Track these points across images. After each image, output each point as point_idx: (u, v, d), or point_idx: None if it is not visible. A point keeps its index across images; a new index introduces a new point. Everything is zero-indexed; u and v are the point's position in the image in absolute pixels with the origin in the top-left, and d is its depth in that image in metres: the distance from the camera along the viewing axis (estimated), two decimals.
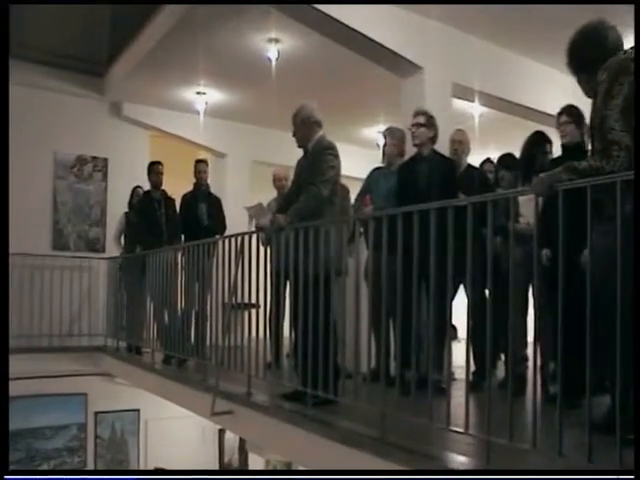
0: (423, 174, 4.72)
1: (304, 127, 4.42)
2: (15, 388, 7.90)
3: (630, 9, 2.94)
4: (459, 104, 7.14)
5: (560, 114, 4.35)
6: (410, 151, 5.10)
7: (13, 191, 8.93)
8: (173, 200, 7.29)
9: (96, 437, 9.01)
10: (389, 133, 5.33)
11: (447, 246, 3.06)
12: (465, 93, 6.65)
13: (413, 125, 4.85)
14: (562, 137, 4.34)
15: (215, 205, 7.13)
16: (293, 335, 4.28)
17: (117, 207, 8.86)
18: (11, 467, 8.04)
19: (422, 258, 3.25)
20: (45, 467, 8.57)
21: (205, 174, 7.12)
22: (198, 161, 7.30)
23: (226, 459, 9.59)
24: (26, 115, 8.94)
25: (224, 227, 6.98)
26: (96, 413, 8.99)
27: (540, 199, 2.84)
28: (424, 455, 3.04)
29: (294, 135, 4.49)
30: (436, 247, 3.16)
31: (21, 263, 8.56)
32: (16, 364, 7.93)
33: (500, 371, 4.63)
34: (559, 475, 2.54)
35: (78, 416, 8.84)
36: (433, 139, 4.84)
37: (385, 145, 5.33)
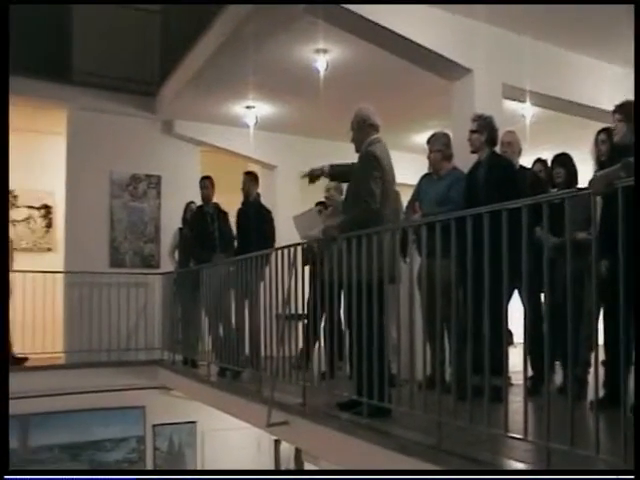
0: (481, 179, 4.67)
1: (359, 130, 4.42)
2: (77, 402, 8.21)
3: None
4: (510, 105, 7.03)
5: (614, 112, 4.24)
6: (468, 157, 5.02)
7: (73, 212, 9.34)
8: (226, 214, 7.33)
9: (155, 449, 9.13)
10: (432, 140, 5.29)
11: (501, 250, 3.01)
12: (516, 94, 6.51)
13: (469, 133, 4.82)
14: (615, 135, 4.22)
15: (265, 217, 7.11)
16: (347, 344, 4.27)
17: (171, 223, 9.02)
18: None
19: (476, 263, 3.20)
20: None
21: (248, 185, 7.07)
22: (244, 174, 7.31)
23: (282, 469, 9.57)
24: (84, 137, 9.26)
25: (273, 239, 6.91)
26: (154, 426, 9.10)
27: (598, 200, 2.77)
28: (482, 462, 2.98)
29: (352, 140, 4.49)
30: (490, 251, 3.10)
31: (81, 281, 8.82)
32: (78, 378, 8.25)
33: (559, 376, 4.52)
34: (559, 475, 2.47)
35: (137, 429, 8.97)
36: (490, 142, 4.76)
37: (430, 152, 5.30)
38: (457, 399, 3.33)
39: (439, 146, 5.21)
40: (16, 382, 7.68)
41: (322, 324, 5.06)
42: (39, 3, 8.82)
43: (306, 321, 5.59)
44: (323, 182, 6.75)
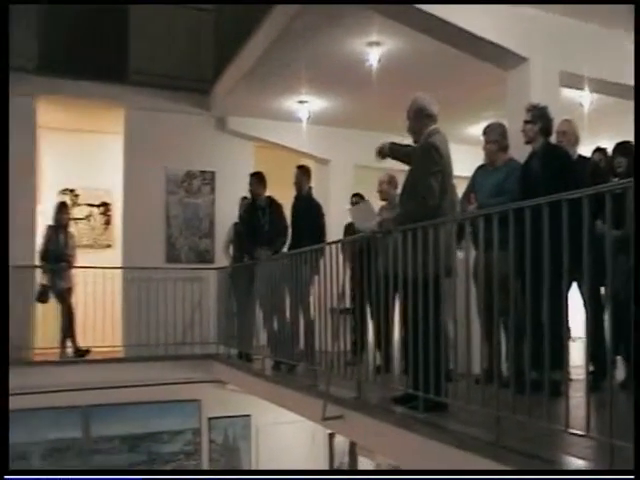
0: (535, 169, 4.58)
1: (416, 120, 4.35)
2: (135, 394, 8.40)
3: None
4: (569, 93, 6.82)
5: None
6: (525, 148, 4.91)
7: (131, 209, 9.61)
8: (280, 205, 7.29)
9: (210, 442, 9.25)
10: (487, 131, 5.21)
11: (562, 242, 2.93)
12: (574, 81, 6.31)
13: (523, 123, 4.72)
14: None
15: (315, 211, 7.01)
16: (403, 338, 4.24)
17: (225, 218, 9.14)
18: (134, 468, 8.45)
19: (534, 255, 3.13)
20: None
21: (300, 179, 7.03)
22: (296, 168, 7.30)
23: (336, 463, 9.59)
24: (140, 136, 9.47)
25: (324, 233, 6.84)
26: (209, 419, 9.22)
27: None
28: (542, 459, 2.92)
29: (408, 130, 4.44)
30: (550, 244, 3.03)
31: (139, 276, 9.01)
32: (136, 371, 8.44)
33: (620, 371, 4.39)
34: (560, 475, 2.39)
35: (193, 421, 9.11)
36: (544, 132, 4.65)
37: (485, 143, 5.21)
38: (515, 393, 3.26)
39: (495, 137, 5.14)
40: (78, 374, 8.06)
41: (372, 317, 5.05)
42: (40, 3, 8.99)
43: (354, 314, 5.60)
44: (376, 175, 6.78)
